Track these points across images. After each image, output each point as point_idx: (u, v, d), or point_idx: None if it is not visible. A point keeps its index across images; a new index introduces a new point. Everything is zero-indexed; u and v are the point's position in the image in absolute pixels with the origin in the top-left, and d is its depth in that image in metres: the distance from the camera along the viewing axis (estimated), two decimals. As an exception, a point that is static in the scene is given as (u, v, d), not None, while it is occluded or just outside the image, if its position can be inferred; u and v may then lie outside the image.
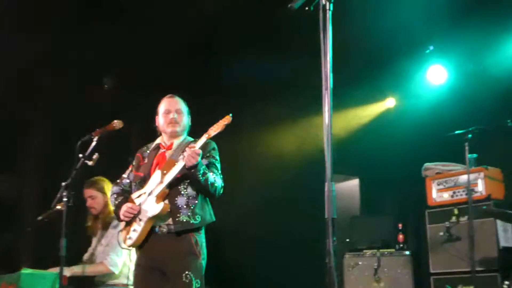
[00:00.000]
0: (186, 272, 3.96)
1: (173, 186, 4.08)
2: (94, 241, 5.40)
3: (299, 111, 8.06)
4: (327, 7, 2.52)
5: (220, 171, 4.21)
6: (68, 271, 4.95)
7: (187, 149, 3.95)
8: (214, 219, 4.22)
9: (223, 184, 4.17)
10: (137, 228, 4.08)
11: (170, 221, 4.05)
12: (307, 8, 2.53)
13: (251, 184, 7.98)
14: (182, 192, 4.07)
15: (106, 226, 5.30)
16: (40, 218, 5.11)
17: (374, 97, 8.30)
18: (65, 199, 4.46)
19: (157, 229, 4.09)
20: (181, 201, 4.06)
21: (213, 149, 4.25)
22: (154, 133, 4.43)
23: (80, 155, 4.46)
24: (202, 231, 4.16)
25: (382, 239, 7.17)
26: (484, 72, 7.00)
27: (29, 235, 6.58)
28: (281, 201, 7.83)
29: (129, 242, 4.15)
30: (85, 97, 7.01)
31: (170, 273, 4.03)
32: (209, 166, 4.14)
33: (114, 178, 5.39)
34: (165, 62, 7.21)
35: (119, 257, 5.15)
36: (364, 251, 7.06)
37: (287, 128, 8.35)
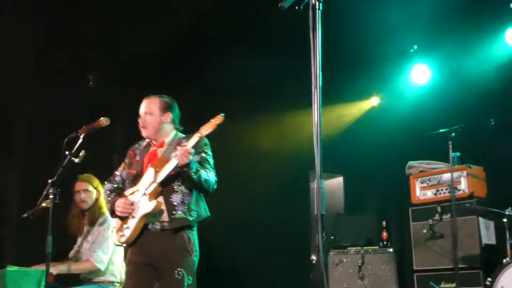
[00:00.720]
0: (179, 269, 3.97)
1: (166, 183, 4.08)
2: (80, 238, 5.39)
3: (283, 108, 8.08)
4: (317, 7, 2.55)
5: (212, 166, 4.22)
6: (54, 269, 4.94)
7: (178, 148, 3.97)
8: (209, 214, 4.24)
9: (216, 179, 4.18)
10: (130, 225, 4.09)
11: (164, 218, 4.06)
12: (297, 8, 2.56)
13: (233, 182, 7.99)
14: (177, 189, 4.09)
15: (93, 223, 5.29)
16: (25, 215, 5.07)
17: (358, 95, 8.34)
18: (51, 196, 4.45)
19: (150, 226, 4.09)
20: (176, 198, 4.08)
21: (205, 144, 4.25)
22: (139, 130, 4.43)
23: (67, 152, 4.44)
24: (195, 229, 4.17)
25: (366, 237, 7.23)
26: (467, 71, 7.07)
27: (13, 232, 6.55)
28: (264, 198, 7.83)
29: (122, 239, 4.15)
30: (69, 94, 6.97)
31: (162, 270, 4.04)
32: (202, 162, 4.15)
33: (99, 175, 5.41)
34: (150, 58, 7.19)
35: (105, 254, 5.15)
36: (348, 248, 7.11)
37: (268, 125, 8.35)
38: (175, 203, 4.06)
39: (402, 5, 6.31)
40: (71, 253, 5.42)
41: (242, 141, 8.17)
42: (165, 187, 4.09)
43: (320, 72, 2.50)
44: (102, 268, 5.13)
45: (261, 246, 7.64)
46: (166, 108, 4.32)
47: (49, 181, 4.47)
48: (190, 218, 4.07)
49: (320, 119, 2.49)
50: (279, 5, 2.55)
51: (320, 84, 2.49)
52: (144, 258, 4.10)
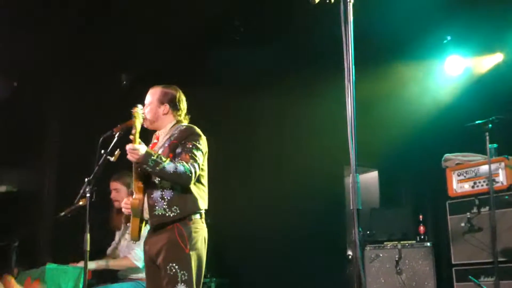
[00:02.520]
0: (170, 264, 3.88)
1: (149, 179, 4.04)
2: (118, 235, 5.45)
3: (316, 102, 8.05)
4: (348, 0, 2.53)
5: (196, 156, 4.00)
6: (93, 264, 5.02)
7: (126, 146, 3.91)
8: (201, 207, 4.06)
9: (193, 169, 3.92)
10: (130, 223, 4.11)
11: (147, 215, 4.05)
12: (328, 1, 2.53)
13: (261, 179, 8.00)
14: (157, 185, 4.01)
15: (129, 220, 5.34)
16: (62, 213, 5.15)
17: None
18: (88, 195, 4.51)
19: (149, 223, 4.11)
20: (156, 194, 4.01)
21: (191, 134, 4.10)
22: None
23: (102, 151, 4.48)
24: (194, 222, 4.00)
25: (403, 231, 7.16)
26: (502, 61, 6.96)
27: (51, 231, 6.66)
28: (299, 193, 7.81)
29: (128, 236, 4.17)
30: (103, 93, 7.06)
31: (159, 266, 3.98)
32: (183, 152, 4.02)
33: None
34: (182, 56, 7.23)
35: (142, 251, 5.20)
36: (385, 243, 7.05)
37: (300, 119, 8.32)
38: (155, 199, 4.00)
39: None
40: (109, 250, 5.49)
41: (275, 137, 8.17)
42: (147, 183, 4.04)
43: (353, 66, 2.47)
44: (140, 266, 5.17)
45: (298, 242, 7.64)
46: (164, 100, 4.24)
47: (86, 179, 4.54)
48: (171, 215, 3.94)
49: (355, 114, 2.46)
50: (309, -1, 2.53)
51: (354, 79, 2.47)
52: (147, 255, 4.11)
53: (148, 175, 4.02)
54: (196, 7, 6.51)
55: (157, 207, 3.98)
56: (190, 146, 4.03)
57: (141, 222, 4.11)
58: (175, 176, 3.89)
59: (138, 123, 3.97)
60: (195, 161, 3.98)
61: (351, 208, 2.37)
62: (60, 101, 7.22)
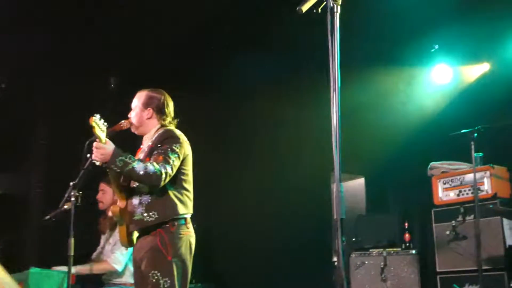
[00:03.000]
0: (153, 272, 3.85)
1: (128, 185, 4.04)
2: (103, 239, 5.45)
3: (303, 107, 8.08)
4: (335, 10, 2.54)
5: (169, 158, 3.93)
6: (75, 269, 5.00)
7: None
8: (182, 212, 3.99)
9: (163, 170, 3.85)
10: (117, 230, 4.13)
11: (129, 221, 4.04)
12: (315, 11, 2.55)
13: (249, 184, 8.01)
14: (136, 190, 4.01)
15: (114, 225, 5.33)
16: (47, 217, 5.12)
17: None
18: (73, 199, 4.50)
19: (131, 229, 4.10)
20: (135, 200, 4.00)
21: (168, 137, 4.05)
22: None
23: (88, 155, 4.45)
24: (177, 228, 3.95)
25: (388, 238, 7.17)
26: (489, 70, 7.01)
27: (35, 235, 6.62)
28: (285, 199, 7.82)
29: (113, 240, 4.17)
30: (89, 96, 7.04)
31: (143, 272, 3.97)
32: (157, 154, 3.97)
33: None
34: (168, 60, 7.24)
35: (124, 255, 5.19)
36: (370, 250, 7.06)
37: (287, 125, 8.33)
38: (134, 204, 3.99)
39: (422, 3, 6.27)
40: (94, 255, 5.49)
41: (261, 142, 8.17)
42: (127, 188, 4.03)
43: (339, 75, 2.49)
44: (119, 269, 5.17)
45: (284, 248, 7.64)
46: (149, 104, 4.21)
47: (71, 183, 4.52)
48: (149, 219, 3.91)
49: (340, 123, 2.47)
50: (297, 8, 2.54)
51: (339, 87, 2.48)
52: (134, 261, 4.11)
53: (128, 182, 4.00)
54: (186, 12, 6.53)
55: (136, 213, 3.96)
56: (165, 148, 3.99)
57: (128, 228, 4.09)
58: (144, 177, 3.82)
59: (98, 131, 3.83)
60: (167, 162, 3.91)
61: (335, 218, 2.37)
62: (47, 104, 7.19)
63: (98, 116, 3.88)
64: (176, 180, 4.03)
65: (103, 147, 3.81)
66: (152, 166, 3.84)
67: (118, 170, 3.83)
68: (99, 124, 3.84)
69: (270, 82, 7.58)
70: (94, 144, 3.84)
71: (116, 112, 5.48)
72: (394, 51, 7.19)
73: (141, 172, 3.80)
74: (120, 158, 3.80)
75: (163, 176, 3.86)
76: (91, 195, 5.37)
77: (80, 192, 4.53)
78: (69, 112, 6.93)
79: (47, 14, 6.27)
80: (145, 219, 3.93)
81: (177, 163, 4.00)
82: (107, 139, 3.88)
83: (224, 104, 7.77)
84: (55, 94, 7.07)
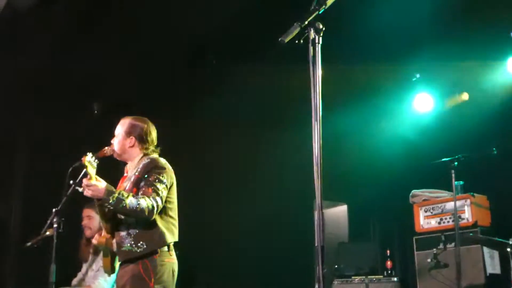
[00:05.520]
0: None
1: (115, 217, 4.03)
2: (85, 266, 5.40)
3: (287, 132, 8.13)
4: (317, 41, 2.59)
5: (158, 190, 3.97)
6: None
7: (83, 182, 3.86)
8: (169, 241, 4.02)
9: (155, 203, 3.89)
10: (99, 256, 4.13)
11: (117, 251, 4.05)
12: (297, 42, 2.59)
13: (231, 210, 8.01)
14: (123, 221, 4.01)
15: (97, 252, 5.30)
16: (28, 244, 5.09)
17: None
18: (55, 225, 4.48)
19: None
20: (122, 231, 4.01)
21: (154, 167, 4.05)
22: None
23: (71, 182, 4.45)
24: (160, 255, 3.96)
25: (370, 266, 7.19)
26: (469, 100, 7.11)
27: (16, 261, 6.56)
28: (267, 226, 7.82)
29: (96, 267, 4.16)
30: (71, 123, 7.04)
31: None
32: (145, 185, 3.99)
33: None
34: (154, 87, 7.27)
35: (108, 282, 5.16)
36: (353, 277, 7.06)
37: (270, 151, 8.37)
38: (122, 235, 4.00)
39: (404, 33, 6.36)
40: (75, 281, 5.44)
41: (243, 168, 8.19)
42: (114, 219, 4.04)
43: (321, 105, 2.52)
44: (102, 295, 5.14)
45: (266, 274, 7.62)
46: (131, 132, 4.22)
47: (53, 210, 4.50)
48: (138, 250, 3.93)
49: (321, 152, 2.50)
50: (279, 39, 2.58)
51: (321, 117, 2.51)
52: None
53: (114, 213, 4.00)
54: (172, 38, 6.58)
55: (124, 244, 3.97)
56: (152, 179, 3.99)
57: (112, 258, 4.09)
58: (137, 212, 3.84)
59: (91, 170, 3.86)
60: (157, 194, 3.94)
61: (316, 245, 2.39)
62: (28, 129, 7.18)
63: (90, 154, 3.89)
64: (163, 209, 4.04)
65: (94, 185, 3.81)
66: (144, 201, 3.85)
67: (112, 208, 3.84)
68: (91, 162, 3.86)
69: (253, 110, 7.63)
70: (84, 182, 3.83)
71: (99, 137, 5.51)
72: (376, 79, 7.27)
73: (134, 208, 3.82)
74: (113, 195, 3.80)
75: (155, 209, 3.90)
76: (73, 221, 5.34)
77: (62, 219, 4.51)
78: (50, 138, 6.92)
79: (29, 37, 6.28)
80: (133, 250, 3.94)
81: (165, 193, 4.03)
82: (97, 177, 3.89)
83: (208, 129, 7.80)
84: (36, 120, 7.06)
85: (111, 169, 4.46)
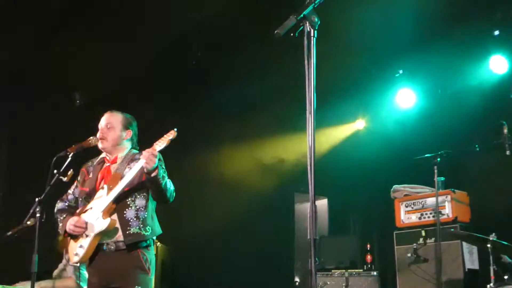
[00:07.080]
0: (136, 287, 3.95)
1: (120, 200, 4.06)
2: (66, 257, 5.36)
3: (268, 130, 8.15)
4: (312, 34, 2.60)
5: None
6: (37, 285, 4.89)
7: (144, 152, 3.93)
8: (161, 231, 4.21)
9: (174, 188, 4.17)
10: (84, 244, 4.05)
11: (118, 237, 4.03)
12: (292, 35, 2.60)
13: (213, 203, 8.02)
14: (130, 205, 4.07)
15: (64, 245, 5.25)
16: (9, 233, 5.03)
17: (344, 118, 8.39)
18: (38, 215, 4.42)
19: (105, 246, 4.05)
20: (130, 213, 4.05)
21: (159, 160, 4.09)
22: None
23: (55, 171, 4.41)
24: (151, 248, 4.14)
25: (350, 259, 7.24)
26: (452, 96, 7.17)
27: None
28: (248, 219, 7.83)
29: (76, 258, 4.08)
30: (54, 112, 6.98)
31: None
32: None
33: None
34: (138, 78, 7.22)
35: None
36: (333, 271, 7.11)
37: (252, 147, 8.39)
38: (129, 219, 4.04)
39: (387, 30, 6.39)
40: (55, 272, 5.40)
41: (225, 163, 8.20)
42: (118, 204, 4.05)
43: (315, 98, 2.53)
44: (84, 286, 5.10)
45: (247, 267, 7.64)
46: (128, 125, 4.37)
47: (36, 199, 4.44)
48: (146, 233, 4.04)
49: (314, 144, 2.51)
50: (275, 32, 2.58)
51: (315, 110, 2.52)
52: (100, 279, 4.06)
53: (120, 197, 4.03)
54: (158, 32, 6.55)
55: (132, 226, 4.02)
56: (162, 170, 4.10)
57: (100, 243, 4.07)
58: (170, 191, 4.09)
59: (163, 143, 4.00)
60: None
61: (308, 238, 2.39)
62: (10, 118, 7.10)
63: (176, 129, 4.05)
64: (155, 203, 4.23)
65: (156, 154, 3.91)
66: (173, 186, 4.12)
67: (160, 180, 3.95)
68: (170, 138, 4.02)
69: (237, 106, 7.64)
70: (151, 150, 3.89)
71: (81, 128, 5.47)
72: (360, 75, 7.30)
73: (172, 188, 4.08)
74: (161, 170, 4.00)
75: (174, 194, 4.16)
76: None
77: (46, 208, 4.46)
78: (33, 127, 6.86)
79: (14, 28, 6.22)
80: (142, 232, 4.03)
81: None
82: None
83: (191, 121, 7.78)
84: (18, 109, 6.99)
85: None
